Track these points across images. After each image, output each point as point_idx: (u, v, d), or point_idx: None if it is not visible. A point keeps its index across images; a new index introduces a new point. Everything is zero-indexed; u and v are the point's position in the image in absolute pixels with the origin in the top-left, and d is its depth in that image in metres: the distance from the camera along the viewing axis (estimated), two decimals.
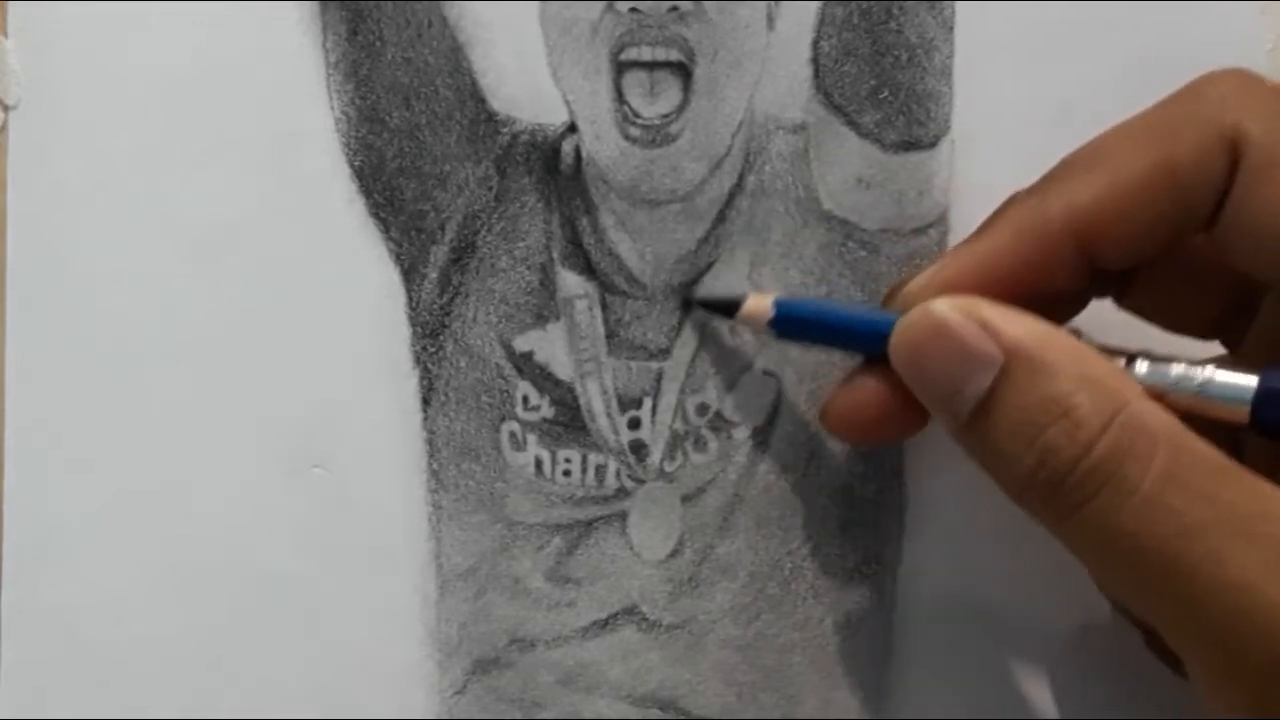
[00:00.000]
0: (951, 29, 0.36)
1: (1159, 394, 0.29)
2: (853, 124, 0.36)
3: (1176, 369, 0.29)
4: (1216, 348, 0.34)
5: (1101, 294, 0.34)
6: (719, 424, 0.36)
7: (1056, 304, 0.32)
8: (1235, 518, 0.26)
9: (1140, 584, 0.27)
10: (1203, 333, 0.34)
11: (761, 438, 0.36)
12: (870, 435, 0.34)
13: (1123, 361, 0.30)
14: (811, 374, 0.36)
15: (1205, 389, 0.29)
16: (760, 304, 0.34)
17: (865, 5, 0.36)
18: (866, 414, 0.33)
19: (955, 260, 0.31)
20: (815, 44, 0.36)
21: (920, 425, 0.33)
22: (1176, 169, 0.30)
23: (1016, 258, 0.31)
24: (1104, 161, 0.30)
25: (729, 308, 0.34)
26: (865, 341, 0.32)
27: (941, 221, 0.36)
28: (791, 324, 0.34)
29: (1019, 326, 0.28)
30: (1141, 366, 0.30)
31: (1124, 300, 0.34)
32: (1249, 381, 0.29)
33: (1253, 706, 0.27)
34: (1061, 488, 0.27)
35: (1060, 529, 0.28)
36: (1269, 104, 0.30)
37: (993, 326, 0.28)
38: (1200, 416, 0.29)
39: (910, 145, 0.36)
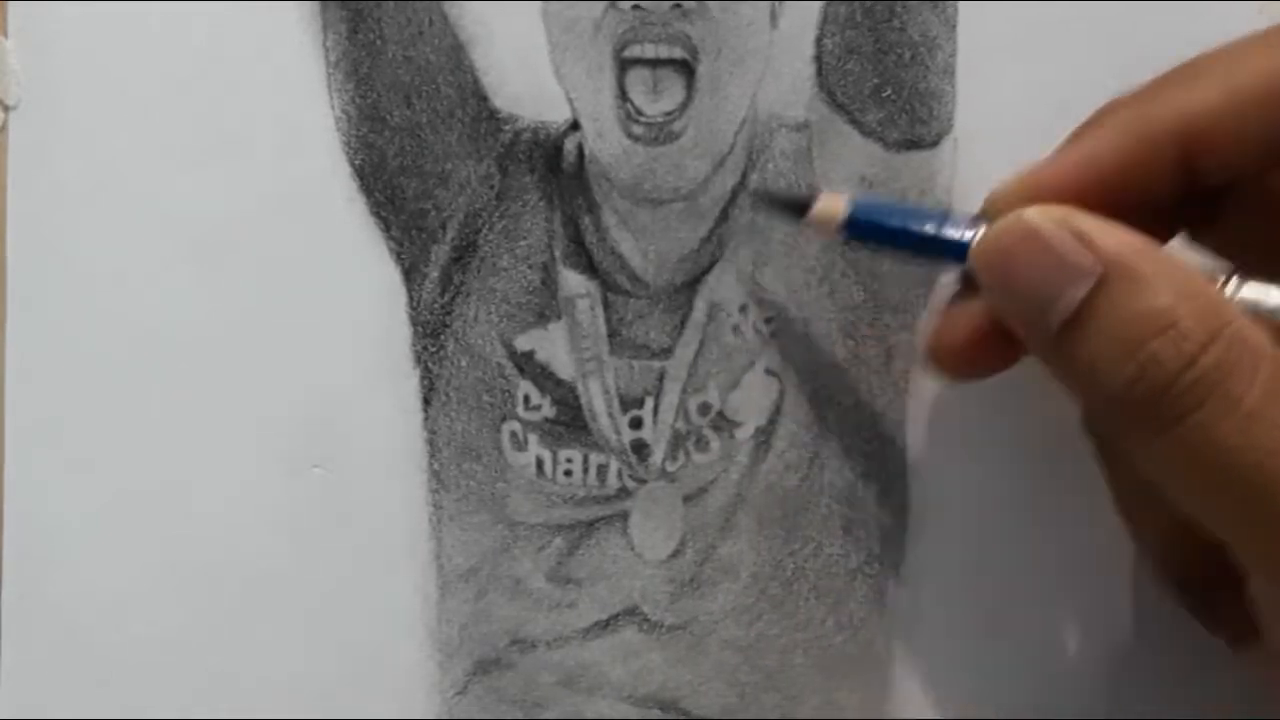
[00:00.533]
0: (954, 27, 0.36)
1: (1255, 315, 0.28)
2: (855, 122, 0.36)
3: (1275, 294, 0.29)
4: None
5: (1191, 225, 0.33)
6: (721, 424, 0.36)
7: (1149, 224, 0.31)
8: None
9: (1234, 501, 0.27)
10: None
11: (764, 438, 0.36)
12: (974, 367, 0.33)
13: (1221, 281, 0.29)
14: (814, 374, 0.36)
15: None
16: (834, 203, 0.32)
17: (868, 3, 0.36)
18: (971, 345, 0.32)
19: (1050, 163, 0.31)
20: (818, 42, 0.36)
21: (1018, 356, 0.32)
22: None
23: (1117, 162, 0.30)
24: (1219, 69, 0.30)
25: (798, 206, 0.33)
26: (947, 249, 0.31)
27: None
28: (867, 227, 0.32)
29: (1116, 238, 0.28)
30: (1240, 288, 0.29)
31: (1204, 235, 0.33)
32: None
33: None
34: (1164, 399, 0.27)
35: (1156, 443, 0.27)
36: None
37: (1089, 238, 0.28)
38: None
39: (913, 144, 0.36)
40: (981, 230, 0.30)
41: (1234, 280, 0.29)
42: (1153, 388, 0.27)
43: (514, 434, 0.36)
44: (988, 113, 0.36)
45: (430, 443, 0.36)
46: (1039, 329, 0.28)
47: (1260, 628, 0.29)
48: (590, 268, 0.36)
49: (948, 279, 0.34)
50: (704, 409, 0.36)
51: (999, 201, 0.31)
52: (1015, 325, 0.29)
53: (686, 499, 0.36)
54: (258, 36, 0.35)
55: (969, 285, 0.32)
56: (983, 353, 0.32)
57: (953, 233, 0.31)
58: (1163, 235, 0.32)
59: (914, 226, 0.32)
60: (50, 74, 0.36)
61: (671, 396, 0.36)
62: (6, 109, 0.36)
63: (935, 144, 0.36)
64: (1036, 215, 0.28)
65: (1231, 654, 0.33)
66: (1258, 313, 0.29)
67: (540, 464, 0.36)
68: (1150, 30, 0.36)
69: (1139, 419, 0.27)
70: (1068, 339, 0.28)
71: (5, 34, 0.36)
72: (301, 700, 0.36)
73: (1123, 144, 0.30)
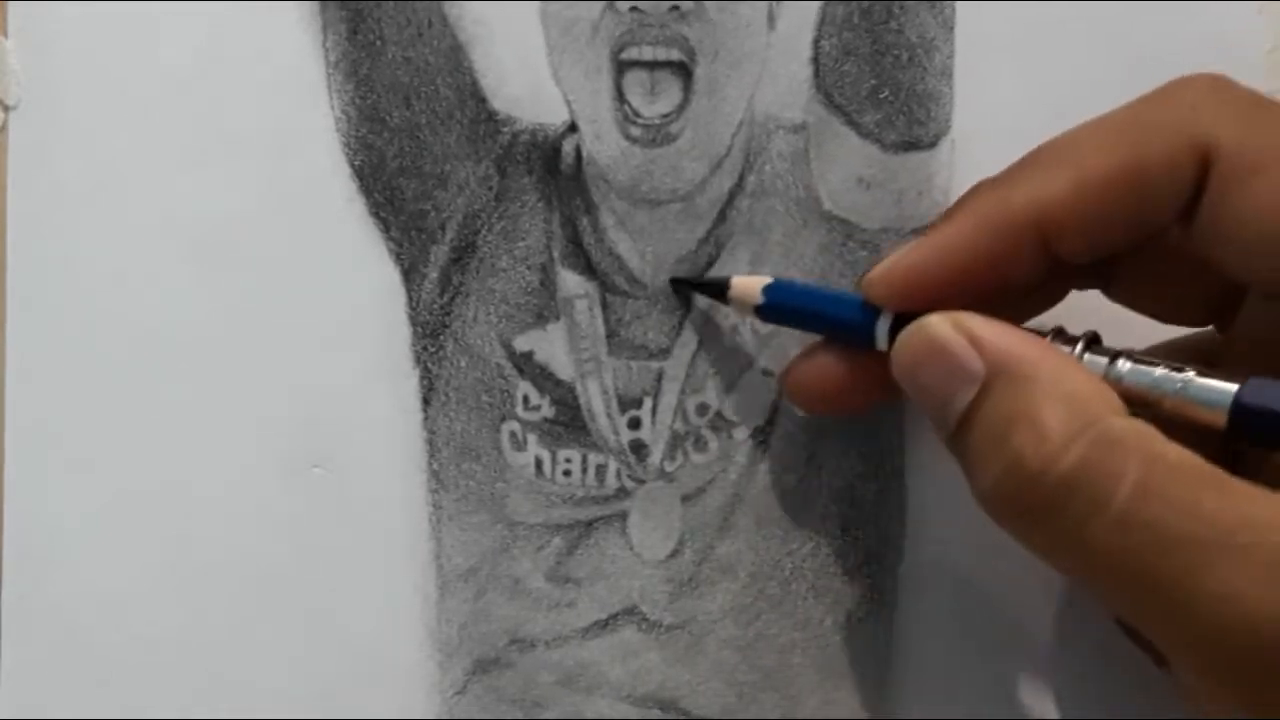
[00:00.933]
0: (952, 29, 0.36)
1: (1141, 393, 0.29)
2: (853, 124, 0.36)
3: (1158, 371, 0.29)
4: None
5: (1086, 285, 0.34)
6: (719, 424, 0.36)
7: (1026, 296, 0.32)
8: (1215, 529, 0.25)
9: (1119, 595, 0.27)
10: (1193, 322, 0.34)
11: (762, 438, 0.36)
12: (824, 406, 0.35)
13: (1105, 360, 0.30)
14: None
15: (1185, 391, 0.29)
16: (750, 287, 0.34)
17: (866, 5, 0.36)
18: (824, 386, 0.34)
19: (917, 248, 0.31)
20: (816, 43, 0.36)
21: (864, 408, 0.35)
22: (1144, 172, 0.30)
23: (978, 248, 0.31)
24: (1071, 157, 0.30)
25: (717, 289, 0.35)
26: (850, 333, 0.33)
27: None
28: (778, 312, 0.34)
29: (1002, 339, 0.29)
30: (1124, 365, 0.30)
31: (1110, 292, 0.34)
32: (1228, 388, 0.29)
33: (1238, 706, 0.27)
34: (1028, 498, 0.27)
35: (1030, 542, 0.28)
36: (1241, 111, 0.30)
37: (977, 339, 0.29)
38: (1177, 419, 0.29)
39: (910, 145, 0.36)
40: (882, 320, 0.32)
41: (1121, 359, 0.30)
42: (1016, 485, 0.27)
43: (513, 434, 0.36)
44: (985, 114, 0.36)
45: (430, 443, 0.36)
46: (942, 430, 0.30)
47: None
48: (588, 268, 0.36)
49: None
50: (702, 409, 0.36)
51: (877, 282, 0.32)
52: (931, 424, 0.31)
53: (685, 499, 0.36)
54: (257, 37, 0.36)
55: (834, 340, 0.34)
56: (838, 398, 0.34)
57: (855, 320, 0.33)
58: (1055, 298, 0.34)
59: (823, 312, 0.34)
60: (50, 74, 0.36)
61: (670, 397, 0.36)
62: (6, 109, 0.36)
63: (933, 145, 0.36)
64: (936, 321, 0.30)
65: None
66: (1146, 389, 0.29)
67: (539, 464, 0.36)
68: (1149, 31, 0.36)
69: (1010, 516, 0.28)
70: (959, 438, 0.29)
71: (5, 34, 0.36)
72: (301, 700, 0.36)
73: (980, 232, 0.31)
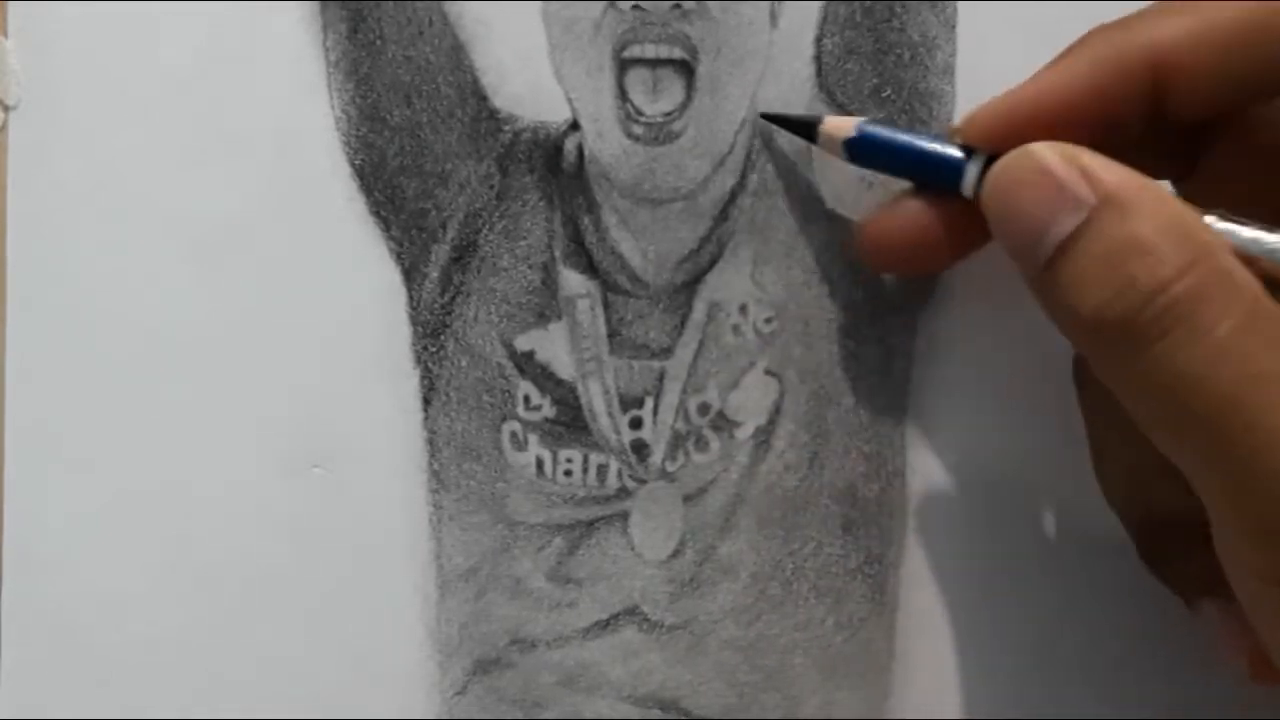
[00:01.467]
0: (954, 27, 0.36)
1: (1246, 257, 0.28)
2: None
3: (1269, 237, 0.29)
4: None
5: (1175, 170, 0.33)
6: (721, 424, 0.36)
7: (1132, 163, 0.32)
8: None
9: (1197, 431, 0.27)
10: (1271, 219, 0.33)
11: (763, 437, 0.36)
12: (897, 261, 0.35)
13: (1216, 219, 0.29)
14: (813, 374, 0.36)
15: (1275, 254, 0.29)
16: (841, 124, 0.34)
17: (868, 3, 0.36)
18: (903, 237, 0.33)
19: (1021, 89, 0.31)
20: (818, 42, 0.36)
21: (948, 263, 0.34)
22: (1270, 24, 0.29)
23: (1090, 87, 0.31)
24: (1192, 4, 0.30)
25: (807, 127, 0.34)
26: (938, 173, 0.32)
27: None
28: (869, 145, 0.33)
29: (1115, 173, 0.28)
30: (1234, 228, 0.29)
31: (1188, 184, 0.33)
32: None
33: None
34: (1135, 323, 0.27)
35: (1126, 370, 0.28)
36: None
37: (1090, 172, 0.28)
38: (1269, 278, 0.28)
39: None
40: (975, 157, 0.32)
41: (1224, 224, 0.29)
42: (1126, 310, 0.27)
43: (514, 434, 0.36)
44: None
45: (430, 442, 0.36)
46: (1032, 257, 0.29)
47: (1226, 574, 0.29)
48: (590, 268, 0.36)
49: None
50: (704, 409, 0.36)
51: (975, 123, 0.32)
52: (1013, 254, 0.30)
53: (686, 499, 0.36)
54: (257, 36, 0.36)
55: (921, 190, 0.33)
56: (914, 251, 0.34)
57: (949, 153, 0.32)
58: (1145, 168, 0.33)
59: (912, 150, 0.33)
60: (50, 74, 0.36)
61: (671, 396, 0.36)
62: (6, 109, 0.36)
63: None
64: (1044, 149, 0.29)
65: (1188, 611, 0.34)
66: (1249, 256, 0.29)
67: (540, 464, 0.36)
68: None
69: (1112, 343, 0.28)
70: (1055, 267, 0.28)
71: (5, 34, 0.36)
72: (301, 700, 0.36)
73: (1095, 71, 0.31)
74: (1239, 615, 0.30)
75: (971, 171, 0.32)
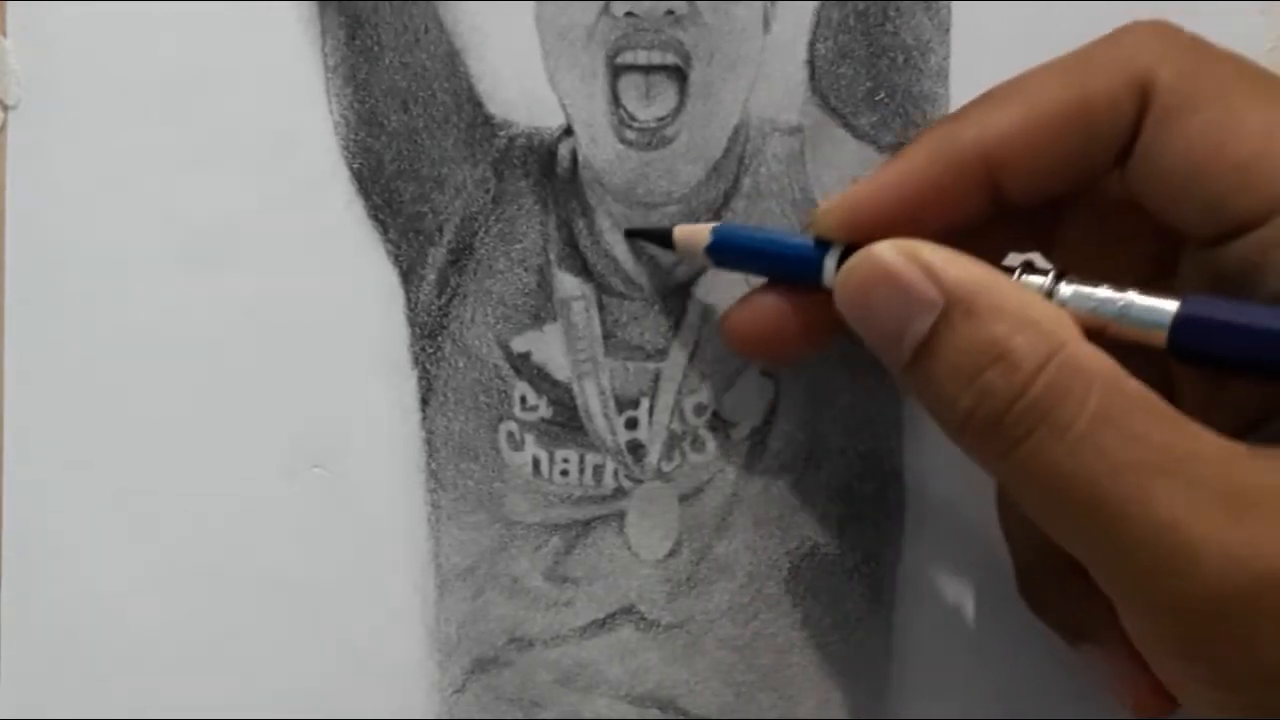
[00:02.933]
0: (947, 31, 0.36)
1: (1082, 318, 0.29)
2: (849, 126, 0.36)
3: (1100, 291, 0.30)
4: None
5: (1028, 246, 0.34)
6: (717, 424, 0.37)
7: (971, 240, 0.32)
8: (1165, 458, 0.27)
9: (1073, 523, 0.28)
10: (1135, 282, 0.34)
11: (759, 437, 0.37)
12: (759, 350, 0.35)
13: (1049, 279, 0.30)
14: (808, 374, 0.37)
15: (1126, 312, 0.29)
16: (696, 232, 0.34)
17: (861, 7, 0.36)
18: (765, 330, 0.34)
19: (867, 182, 0.32)
20: (811, 46, 0.36)
21: (811, 351, 0.35)
22: (1088, 106, 0.30)
23: (927, 181, 0.31)
24: (1019, 94, 0.31)
25: (663, 237, 0.35)
26: (798, 269, 0.33)
27: None
28: (728, 248, 0.34)
29: (958, 268, 0.29)
30: (1066, 289, 0.30)
31: (1053, 256, 0.34)
32: (1169, 306, 0.29)
33: (1179, 647, 0.28)
34: (998, 428, 0.28)
35: (997, 468, 0.29)
36: (1183, 51, 0.30)
37: (933, 269, 0.29)
38: (1121, 341, 0.29)
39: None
40: (833, 250, 0.32)
41: (1064, 282, 0.30)
42: (989, 416, 0.28)
43: (511, 434, 0.37)
44: None
45: (428, 443, 0.37)
46: (894, 359, 0.30)
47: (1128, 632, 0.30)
48: (585, 270, 0.36)
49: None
50: (699, 409, 0.37)
51: (826, 217, 0.32)
52: (874, 351, 0.31)
53: (682, 499, 0.37)
54: (257, 40, 0.36)
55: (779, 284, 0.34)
56: (777, 341, 0.34)
57: (804, 255, 0.33)
58: (999, 252, 0.34)
59: (769, 253, 0.34)
60: (50, 74, 0.36)
61: (667, 397, 0.37)
62: (6, 109, 0.36)
63: None
64: (886, 249, 0.30)
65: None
66: (1088, 311, 0.30)
67: (537, 464, 0.37)
68: None
69: (981, 445, 0.29)
70: (918, 369, 0.29)
71: (5, 34, 0.36)
72: (301, 699, 0.36)
73: (930, 166, 0.31)
74: (1119, 657, 0.31)
75: (829, 265, 0.32)
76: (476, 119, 0.36)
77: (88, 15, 0.36)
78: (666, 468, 0.37)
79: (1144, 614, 0.28)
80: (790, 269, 0.33)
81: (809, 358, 0.36)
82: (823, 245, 0.32)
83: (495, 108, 0.36)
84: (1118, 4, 0.36)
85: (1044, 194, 0.32)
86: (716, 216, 0.36)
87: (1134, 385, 0.27)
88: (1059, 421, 0.27)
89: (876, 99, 0.36)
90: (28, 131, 0.36)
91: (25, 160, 0.36)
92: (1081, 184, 0.32)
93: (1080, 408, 0.27)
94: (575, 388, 0.37)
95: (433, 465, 0.37)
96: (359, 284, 0.36)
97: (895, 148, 0.36)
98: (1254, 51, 0.36)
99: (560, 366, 0.37)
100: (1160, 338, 0.29)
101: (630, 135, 0.36)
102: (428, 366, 0.37)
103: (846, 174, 0.36)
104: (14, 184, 0.36)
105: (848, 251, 0.32)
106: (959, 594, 0.37)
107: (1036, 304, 0.29)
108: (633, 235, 0.36)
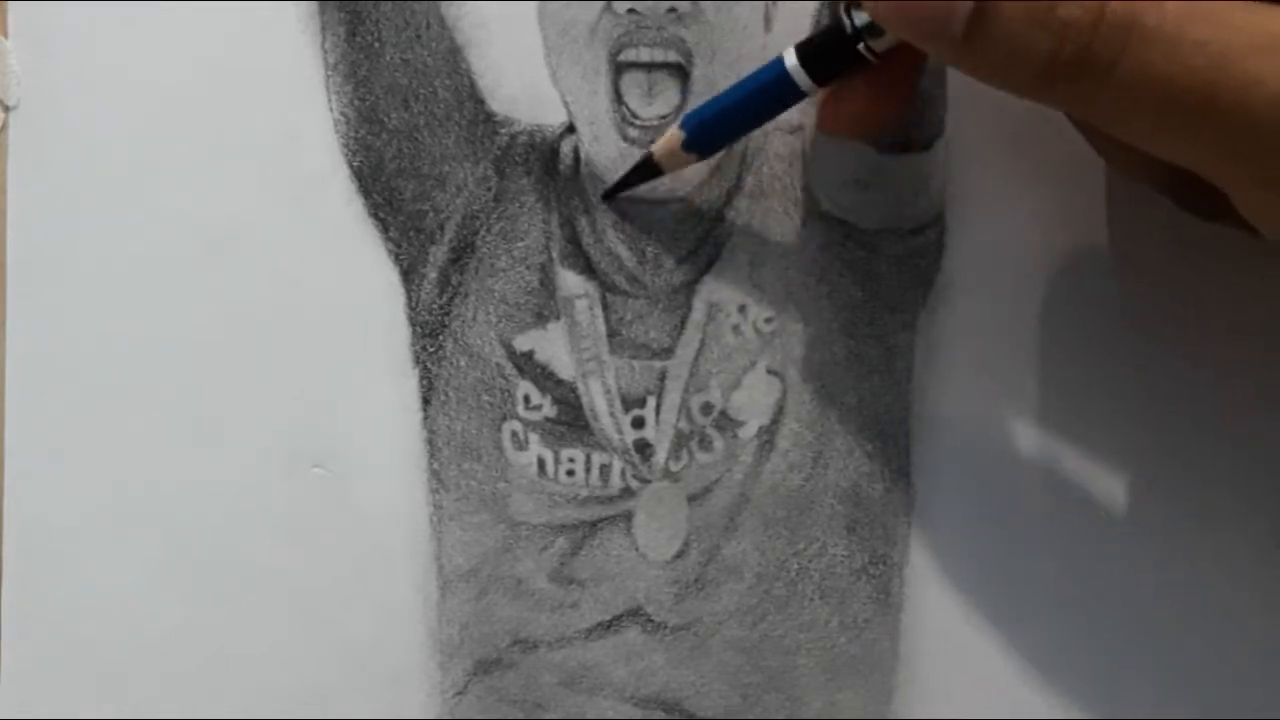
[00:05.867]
0: None
1: None
2: None
3: None
4: None
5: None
6: (724, 423, 0.37)
7: None
8: (1261, 36, 0.27)
9: (1187, 126, 0.28)
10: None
11: (767, 437, 0.37)
12: (865, 124, 0.35)
13: None
14: (815, 373, 0.37)
15: None
16: (668, 140, 0.35)
17: None
18: (858, 106, 0.34)
19: None
20: None
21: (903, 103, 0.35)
22: None
23: None
24: None
25: (642, 169, 0.35)
26: (774, 95, 0.33)
27: (938, 222, 0.37)
28: (704, 128, 0.34)
29: None
30: None
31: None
32: None
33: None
34: (1090, 57, 0.28)
35: (1099, 101, 0.28)
36: None
37: None
38: None
39: (906, 146, 0.37)
40: (787, 58, 0.33)
41: None
42: (1077, 48, 0.28)
43: (515, 434, 0.37)
44: (979, 115, 0.37)
45: (430, 443, 0.37)
46: (947, 42, 0.29)
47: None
48: (588, 268, 0.37)
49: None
50: (706, 408, 0.37)
51: None
52: (922, 44, 0.30)
53: (691, 499, 0.37)
54: (257, 38, 0.36)
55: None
56: (872, 109, 0.34)
57: (776, 84, 0.33)
58: None
59: (744, 105, 0.34)
60: (50, 74, 0.36)
61: (674, 396, 0.37)
62: (6, 109, 0.36)
63: (928, 146, 0.37)
64: None
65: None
66: None
67: (542, 464, 0.37)
68: None
69: (1074, 84, 0.28)
70: (976, 41, 0.29)
71: (5, 34, 0.36)
72: (301, 700, 0.36)
73: None
74: None
75: (790, 60, 0.33)
76: (478, 116, 0.37)
77: (88, 15, 0.36)
78: (674, 467, 0.37)
79: (1266, 191, 0.28)
80: (767, 101, 0.34)
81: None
82: (777, 63, 0.33)
83: (497, 105, 0.37)
84: None
85: None
86: (719, 215, 0.37)
87: None
88: (1146, 30, 0.27)
89: None
90: (28, 131, 0.37)
91: (25, 160, 0.36)
92: None
93: (1161, 12, 0.27)
94: (580, 386, 0.37)
95: (434, 465, 0.37)
96: (359, 283, 0.37)
97: (894, 147, 0.37)
98: None
99: (564, 365, 0.37)
100: None
101: (633, 133, 0.36)
102: (429, 366, 0.37)
103: (846, 173, 0.37)
104: (14, 184, 0.37)
105: (803, 55, 0.32)
106: (967, 596, 0.37)
107: None
108: (610, 195, 0.36)
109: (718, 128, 0.35)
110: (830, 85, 0.33)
